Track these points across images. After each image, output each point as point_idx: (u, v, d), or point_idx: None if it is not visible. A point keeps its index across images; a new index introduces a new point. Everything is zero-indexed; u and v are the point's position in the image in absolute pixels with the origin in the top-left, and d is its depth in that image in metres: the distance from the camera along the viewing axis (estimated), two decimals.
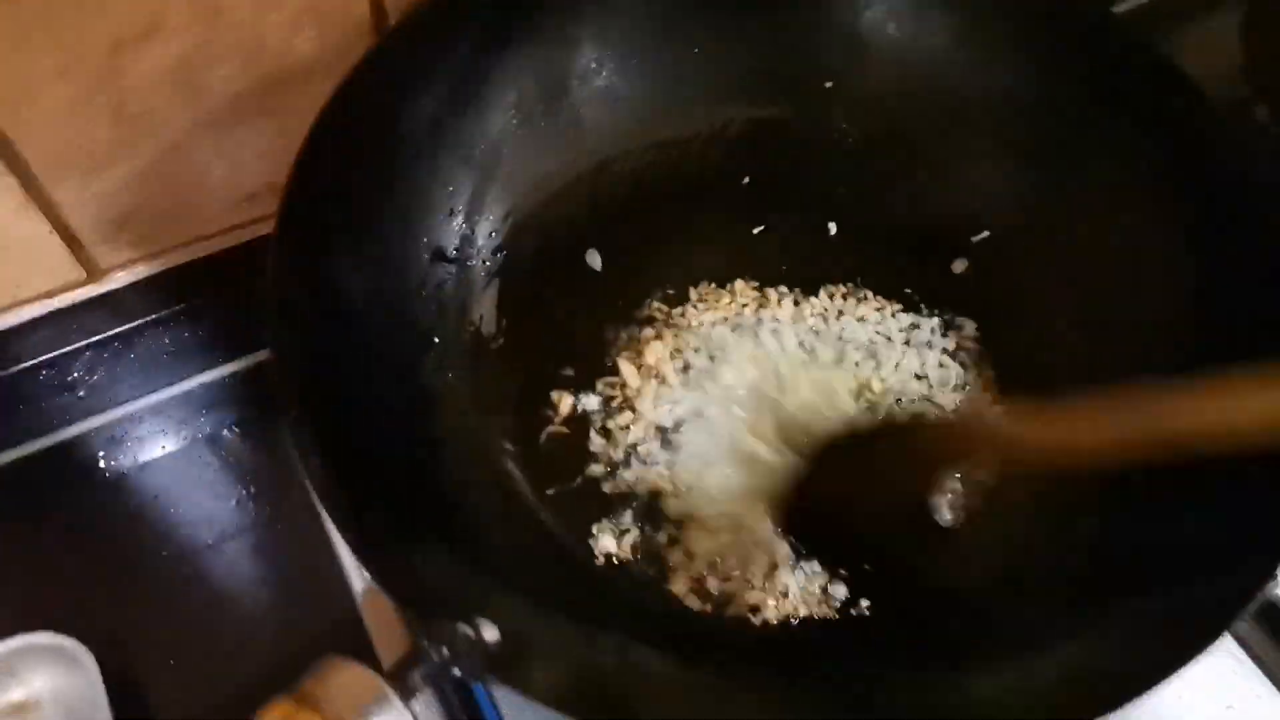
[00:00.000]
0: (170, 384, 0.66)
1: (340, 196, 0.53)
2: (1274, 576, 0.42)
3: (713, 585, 0.52)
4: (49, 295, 0.61)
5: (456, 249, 0.59)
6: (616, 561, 0.53)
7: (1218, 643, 0.40)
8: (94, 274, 0.62)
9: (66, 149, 0.54)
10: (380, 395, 0.52)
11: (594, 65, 0.62)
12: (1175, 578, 0.45)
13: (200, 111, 0.56)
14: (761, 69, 0.63)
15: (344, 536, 0.43)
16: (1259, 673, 0.54)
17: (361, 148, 0.54)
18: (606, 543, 0.54)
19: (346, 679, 0.35)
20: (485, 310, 0.60)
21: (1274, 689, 0.54)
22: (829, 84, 0.65)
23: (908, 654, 0.47)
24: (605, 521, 0.54)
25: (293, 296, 0.48)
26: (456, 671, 0.39)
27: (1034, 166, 0.61)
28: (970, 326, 0.61)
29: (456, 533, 0.49)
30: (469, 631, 0.40)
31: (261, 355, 0.67)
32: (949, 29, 0.63)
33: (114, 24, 0.50)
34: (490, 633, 0.41)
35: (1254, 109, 0.69)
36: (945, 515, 0.53)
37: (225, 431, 0.65)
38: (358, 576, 0.59)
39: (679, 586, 0.52)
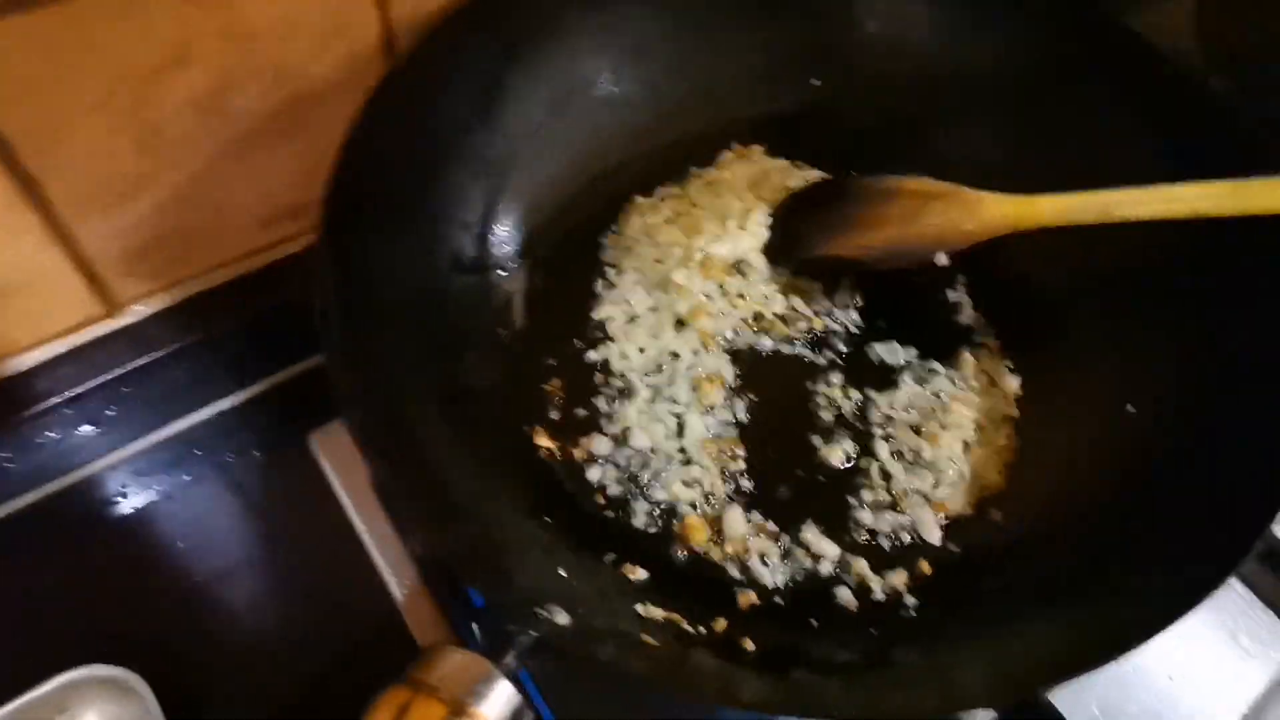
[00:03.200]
0: (191, 412, 0.66)
1: (367, 212, 0.54)
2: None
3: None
4: (69, 332, 0.61)
5: (475, 258, 0.61)
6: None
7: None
8: (113, 308, 0.62)
9: (91, 184, 0.55)
10: (421, 392, 0.53)
11: (601, 74, 0.64)
12: (1185, 524, 0.48)
13: (222, 138, 0.57)
14: (762, 70, 0.66)
15: (429, 546, 0.44)
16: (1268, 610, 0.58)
17: (383, 165, 0.55)
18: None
19: (455, 664, 0.36)
20: (509, 314, 0.61)
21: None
22: (816, 81, 0.68)
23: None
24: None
25: (337, 304, 0.49)
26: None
27: (1022, 141, 0.64)
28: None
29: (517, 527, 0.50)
30: (547, 615, 0.41)
31: (279, 377, 0.68)
32: (929, 20, 0.66)
33: (147, 55, 0.51)
34: (562, 617, 0.42)
35: (1209, 80, 0.72)
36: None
37: (250, 455, 0.65)
38: (397, 585, 0.60)
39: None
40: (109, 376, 0.62)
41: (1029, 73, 0.63)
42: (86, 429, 0.63)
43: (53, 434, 0.62)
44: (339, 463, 0.64)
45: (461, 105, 0.60)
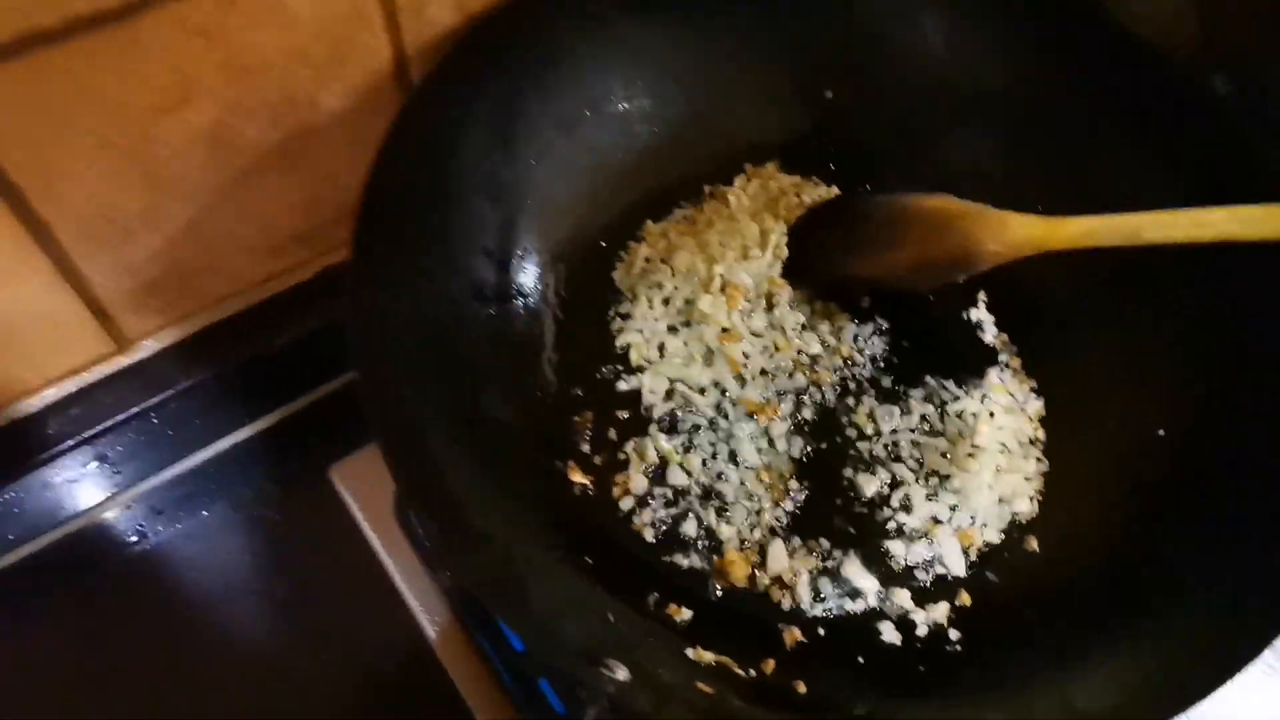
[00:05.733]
0: (206, 446, 0.65)
1: (393, 239, 0.53)
2: None
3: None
4: (80, 370, 0.60)
5: (496, 286, 0.60)
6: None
7: None
8: (123, 345, 0.61)
9: (98, 222, 0.53)
10: (448, 426, 0.53)
11: (612, 94, 0.63)
12: (1234, 554, 0.48)
13: (229, 171, 0.56)
14: (774, 85, 0.66)
15: (498, 611, 0.43)
16: None
17: (408, 193, 0.54)
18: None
19: None
20: (532, 343, 0.60)
21: None
22: (829, 93, 0.67)
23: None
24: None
25: (366, 327, 0.48)
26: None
27: (1034, 155, 0.64)
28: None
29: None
30: (610, 673, 0.41)
31: (294, 407, 0.67)
32: (942, 33, 0.66)
33: (151, 93, 0.49)
34: (621, 672, 0.42)
35: (1212, 78, 0.72)
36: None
37: (269, 489, 0.64)
38: (429, 622, 0.59)
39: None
40: (121, 414, 0.61)
41: (1041, 86, 0.62)
42: (99, 467, 0.62)
43: (66, 474, 0.61)
44: (361, 495, 0.63)
45: (477, 131, 0.58)
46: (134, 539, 0.62)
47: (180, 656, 0.59)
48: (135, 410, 0.61)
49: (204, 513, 0.64)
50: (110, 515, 0.62)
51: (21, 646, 0.58)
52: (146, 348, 0.61)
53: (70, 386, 0.60)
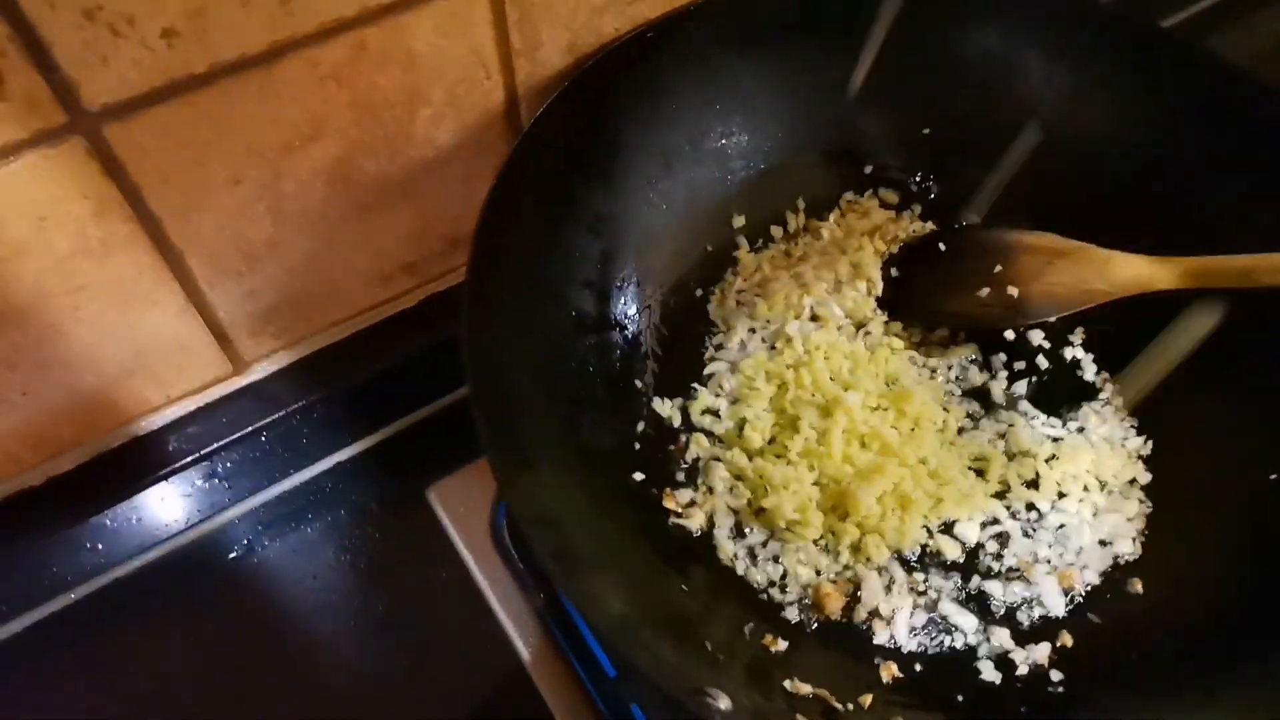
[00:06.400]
0: (312, 464, 0.67)
1: (502, 271, 0.55)
2: None
3: None
4: (199, 391, 0.63)
5: (594, 318, 0.61)
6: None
7: None
8: (239, 367, 0.63)
9: (226, 252, 0.56)
10: (551, 449, 0.54)
11: (713, 129, 0.65)
12: None
13: (347, 203, 0.58)
14: (872, 120, 0.67)
15: (608, 640, 0.44)
16: None
17: (517, 226, 0.56)
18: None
19: None
20: (631, 372, 0.62)
21: None
22: (926, 130, 0.68)
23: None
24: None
25: (478, 352, 0.50)
26: None
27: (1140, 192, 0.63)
28: None
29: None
30: (715, 703, 0.42)
31: (394, 429, 0.69)
32: (1042, 70, 0.66)
33: (285, 130, 0.52)
34: (724, 702, 0.43)
35: None
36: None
37: (369, 508, 0.66)
38: (523, 643, 0.60)
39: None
40: (236, 433, 0.64)
41: (1147, 127, 0.62)
42: (213, 483, 0.64)
43: (182, 488, 0.63)
44: (458, 515, 0.65)
45: (582, 166, 0.60)
46: (241, 552, 0.65)
47: (278, 666, 0.61)
48: (249, 429, 0.64)
49: (307, 529, 0.66)
50: (219, 528, 0.65)
51: (135, 654, 0.61)
52: (261, 370, 0.64)
53: (190, 405, 0.63)
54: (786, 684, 0.48)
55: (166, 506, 0.63)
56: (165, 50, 0.45)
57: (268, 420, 0.64)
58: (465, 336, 0.50)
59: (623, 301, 0.63)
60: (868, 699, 0.48)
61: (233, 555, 0.65)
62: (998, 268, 0.60)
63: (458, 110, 0.58)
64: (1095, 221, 0.60)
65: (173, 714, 0.59)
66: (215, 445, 0.63)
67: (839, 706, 0.47)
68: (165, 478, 0.62)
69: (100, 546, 0.62)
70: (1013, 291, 0.59)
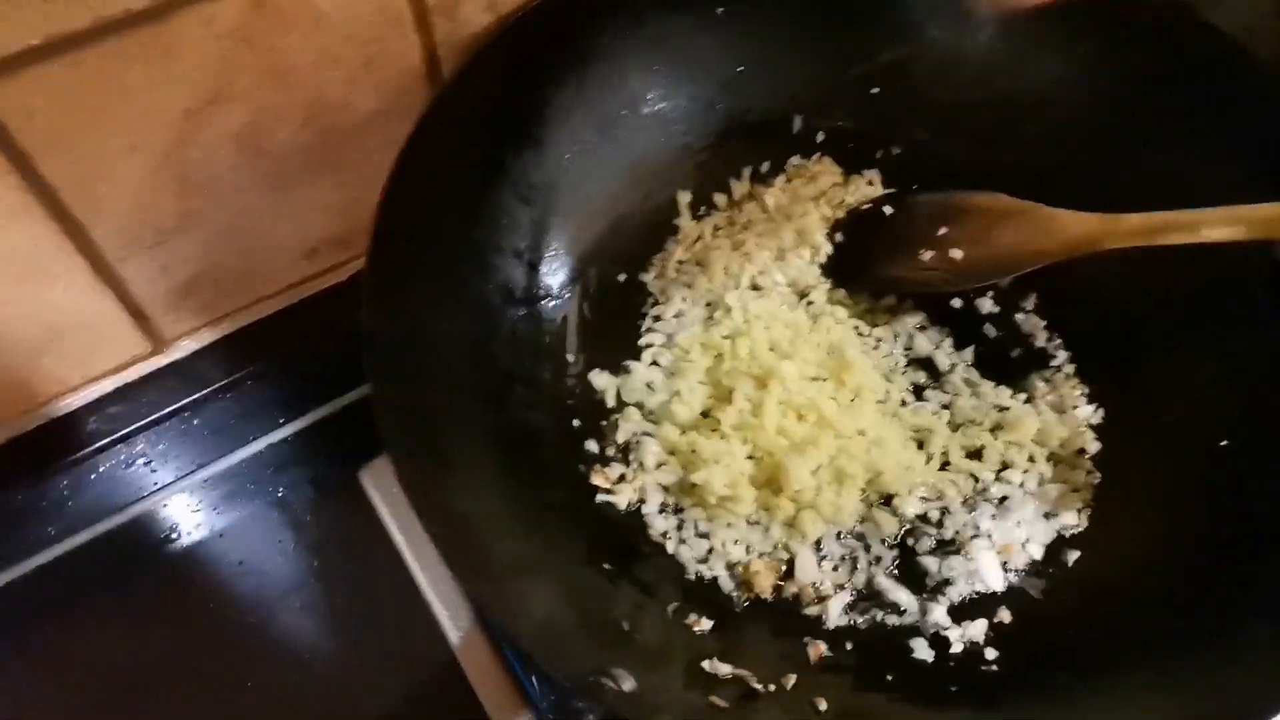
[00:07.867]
0: (242, 446, 0.65)
1: (417, 241, 0.53)
2: None
3: None
4: (117, 371, 0.61)
5: (525, 288, 0.59)
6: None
7: None
8: (160, 345, 0.62)
9: (134, 224, 0.54)
10: (472, 433, 0.52)
11: (650, 92, 0.62)
12: None
13: (263, 172, 0.56)
14: (816, 82, 0.63)
15: (507, 627, 0.42)
16: None
17: (433, 193, 0.54)
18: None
19: None
20: (561, 346, 0.59)
21: None
22: (875, 90, 0.65)
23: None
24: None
25: (384, 336, 0.48)
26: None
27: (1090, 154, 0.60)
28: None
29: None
30: (613, 683, 0.40)
31: (328, 409, 0.67)
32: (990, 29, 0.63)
33: (184, 94, 0.50)
34: (628, 683, 0.41)
35: None
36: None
37: (303, 489, 0.64)
38: (452, 626, 0.59)
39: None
40: (159, 413, 0.62)
41: (1105, 82, 0.59)
42: (137, 466, 0.62)
43: (104, 471, 0.62)
44: (390, 498, 0.62)
45: (509, 129, 0.58)
46: (170, 536, 0.63)
47: (207, 652, 0.59)
48: (172, 409, 0.62)
49: (237, 512, 0.64)
50: (146, 511, 0.63)
51: (58, 642, 0.59)
52: (183, 348, 0.62)
53: (109, 385, 0.61)
54: (705, 664, 0.45)
55: (89, 491, 0.61)
56: (41, 4, 0.43)
57: (191, 400, 0.62)
58: (365, 316, 0.47)
59: (555, 272, 0.60)
60: (791, 679, 0.46)
61: (161, 540, 0.63)
62: (942, 230, 0.57)
63: (372, 73, 0.56)
64: (1047, 183, 0.57)
65: (99, 702, 0.57)
66: (136, 425, 0.61)
67: (759, 688, 0.45)
68: (85, 460, 0.60)
69: (19, 533, 0.60)
70: (955, 254, 0.57)
